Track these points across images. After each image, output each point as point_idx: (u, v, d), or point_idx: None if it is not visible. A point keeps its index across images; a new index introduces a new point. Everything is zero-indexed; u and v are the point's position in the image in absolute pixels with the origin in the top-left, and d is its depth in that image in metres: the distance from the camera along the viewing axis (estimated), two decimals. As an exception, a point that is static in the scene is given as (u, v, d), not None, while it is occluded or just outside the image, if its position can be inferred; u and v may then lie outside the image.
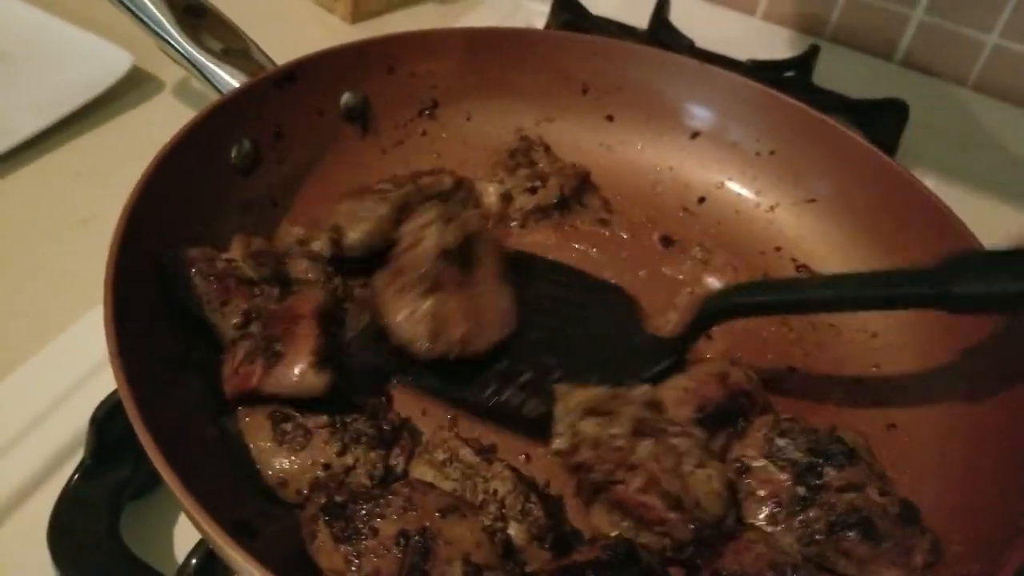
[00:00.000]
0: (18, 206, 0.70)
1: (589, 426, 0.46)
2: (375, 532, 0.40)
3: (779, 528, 0.46)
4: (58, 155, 0.76)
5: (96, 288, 0.61)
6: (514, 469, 0.45)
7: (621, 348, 0.56)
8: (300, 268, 0.55)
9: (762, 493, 0.47)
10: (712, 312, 0.53)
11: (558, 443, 0.47)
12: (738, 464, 0.48)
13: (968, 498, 0.47)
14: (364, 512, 0.40)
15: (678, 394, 0.50)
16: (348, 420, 0.47)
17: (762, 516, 0.47)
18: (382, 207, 0.57)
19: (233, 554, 0.35)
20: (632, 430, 0.46)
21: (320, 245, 0.56)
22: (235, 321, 0.51)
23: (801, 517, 0.46)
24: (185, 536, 0.49)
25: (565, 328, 0.56)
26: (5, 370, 0.57)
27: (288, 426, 0.47)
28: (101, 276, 0.60)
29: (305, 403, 0.47)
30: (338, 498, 0.41)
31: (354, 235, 0.56)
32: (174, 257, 0.50)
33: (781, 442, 0.48)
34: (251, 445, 0.46)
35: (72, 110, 0.77)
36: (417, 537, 0.39)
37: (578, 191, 0.66)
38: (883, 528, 0.45)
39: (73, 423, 0.53)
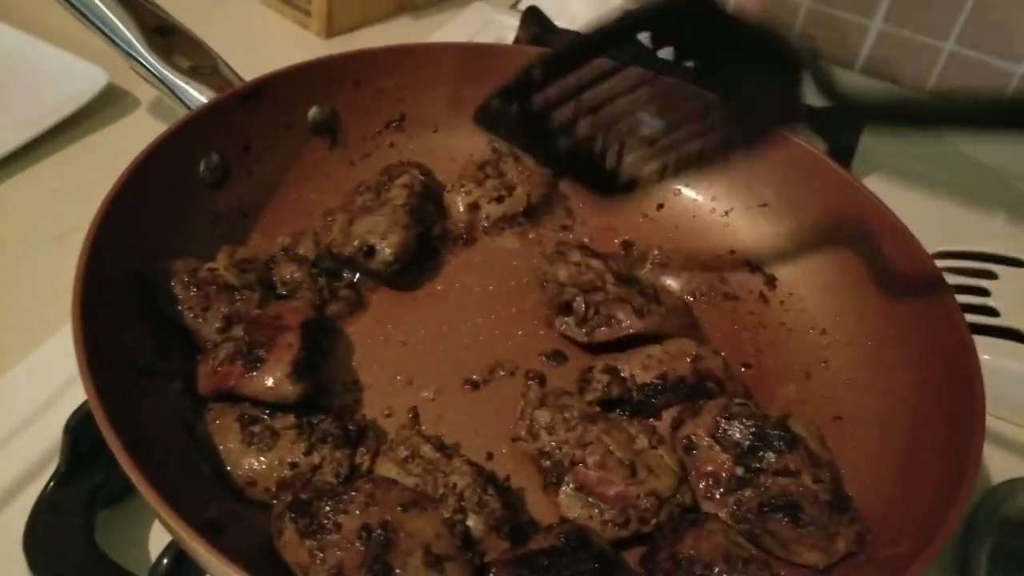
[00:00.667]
0: (-7, 220, 0.72)
1: (544, 414, 0.50)
2: (338, 527, 0.41)
3: (714, 502, 0.49)
4: (35, 171, 0.77)
5: (71, 301, 0.63)
6: (472, 464, 0.47)
7: None
8: (286, 273, 0.57)
9: (704, 470, 0.50)
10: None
11: (519, 432, 0.50)
12: (686, 440, 0.51)
13: (903, 488, 0.50)
14: (328, 508, 0.42)
15: (644, 359, 0.54)
16: (315, 421, 0.49)
17: (700, 488, 0.50)
18: (400, 216, 0.59)
19: (201, 550, 0.36)
20: (582, 415, 0.50)
21: (305, 248, 0.58)
22: (217, 325, 0.53)
23: (736, 496, 0.49)
24: (158, 540, 0.51)
25: None
26: (-17, 382, 0.58)
27: (256, 428, 0.48)
28: None
29: (274, 405, 0.49)
30: (303, 496, 0.43)
31: (389, 250, 0.58)
32: (157, 270, 0.52)
33: (728, 424, 0.51)
34: (220, 447, 0.48)
35: (48, 127, 0.78)
36: (379, 530, 0.41)
37: (545, 199, 0.68)
38: (810, 513, 0.48)
39: (50, 433, 0.55)
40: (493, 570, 0.42)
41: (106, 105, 0.84)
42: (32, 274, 0.68)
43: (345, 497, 0.42)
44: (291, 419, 0.49)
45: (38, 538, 0.48)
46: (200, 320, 0.53)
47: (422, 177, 0.64)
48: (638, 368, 0.55)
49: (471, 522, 0.44)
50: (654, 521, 0.48)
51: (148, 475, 0.38)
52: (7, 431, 0.55)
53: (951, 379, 0.52)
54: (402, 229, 0.58)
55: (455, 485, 0.45)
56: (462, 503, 0.44)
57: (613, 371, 0.54)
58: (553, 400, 0.52)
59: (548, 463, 0.50)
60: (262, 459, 0.48)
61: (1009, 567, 0.56)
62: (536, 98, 0.52)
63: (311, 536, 0.41)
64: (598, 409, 0.52)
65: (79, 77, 0.83)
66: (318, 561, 0.40)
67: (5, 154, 0.75)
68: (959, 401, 0.50)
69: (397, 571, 0.40)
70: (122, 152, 0.53)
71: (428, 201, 0.64)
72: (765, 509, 0.48)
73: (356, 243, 0.58)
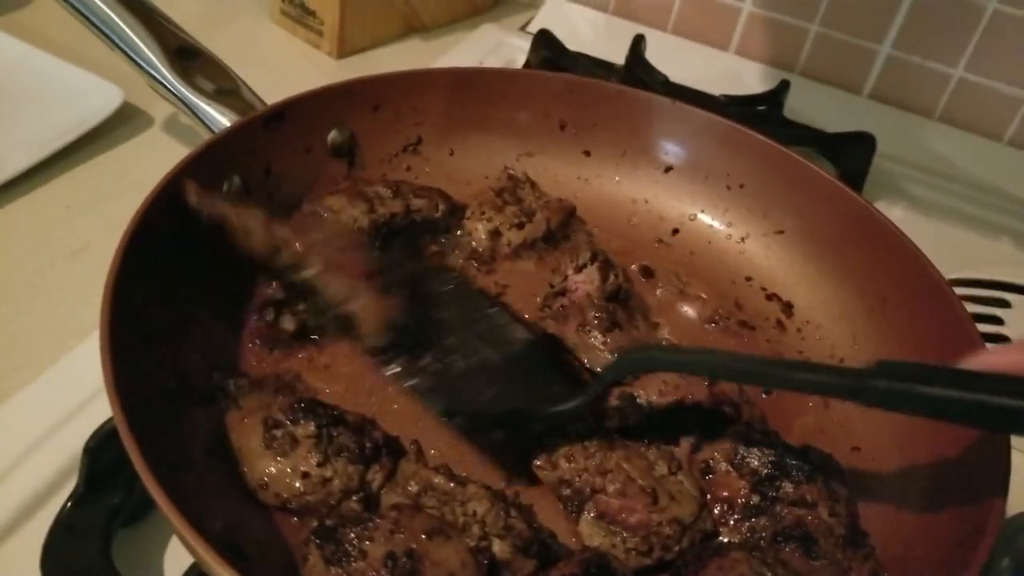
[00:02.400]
0: (11, 238, 0.72)
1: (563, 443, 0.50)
2: (364, 554, 0.41)
3: (728, 528, 0.49)
4: (50, 188, 0.77)
5: (88, 318, 0.63)
6: (488, 487, 0.47)
7: (532, 381, 0.58)
8: None
9: (720, 495, 0.51)
10: (622, 367, 0.52)
11: (538, 462, 0.50)
12: (703, 465, 0.52)
13: (923, 527, 0.49)
14: (353, 535, 0.42)
15: (661, 385, 0.54)
16: (335, 433, 0.49)
17: (714, 513, 0.50)
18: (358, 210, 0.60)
19: (225, 573, 0.36)
20: (601, 443, 0.50)
21: None
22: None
23: (750, 523, 0.49)
24: (175, 561, 0.50)
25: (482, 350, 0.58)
26: (2, 397, 0.58)
27: (278, 432, 0.49)
28: (93, 306, 0.62)
29: (301, 409, 0.50)
30: (329, 522, 0.43)
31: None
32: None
33: (746, 451, 0.51)
34: (240, 447, 0.49)
35: (64, 145, 0.79)
36: (404, 558, 0.41)
37: (563, 225, 0.69)
38: (824, 547, 0.48)
39: (66, 452, 0.54)
40: None
41: (121, 123, 0.85)
42: (48, 290, 0.68)
43: (371, 524, 0.42)
44: (312, 428, 0.49)
45: (55, 559, 0.48)
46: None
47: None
48: (655, 394, 0.54)
49: (496, 548, 0.44)
50: (677, 548, 0.48)
51: (171, 495, 0.38)
52: (24, 449, 0.55)
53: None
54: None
55: (475, 512, 0.45)
56: (485, 529, 0.44)
57: (629, 398, 0.54)
58: (571, 428, 0.52)
59: (568, 491, 0.50)
60: (278, 464, 0.48)
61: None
62: None
63: (337, 563, 0.41)
64: (617, 437, 0.52)
65: (95, 95, 0.84)
66: None
67: (21, 171, 0.75)
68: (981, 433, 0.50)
69: None
70: (137, 170, 0.53)
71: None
72: (779, 539, 0.48)
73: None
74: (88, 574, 0.48)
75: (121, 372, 0.42)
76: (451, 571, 0.41)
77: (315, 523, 0.44)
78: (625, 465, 0.49)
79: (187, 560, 0.46)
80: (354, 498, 0.48)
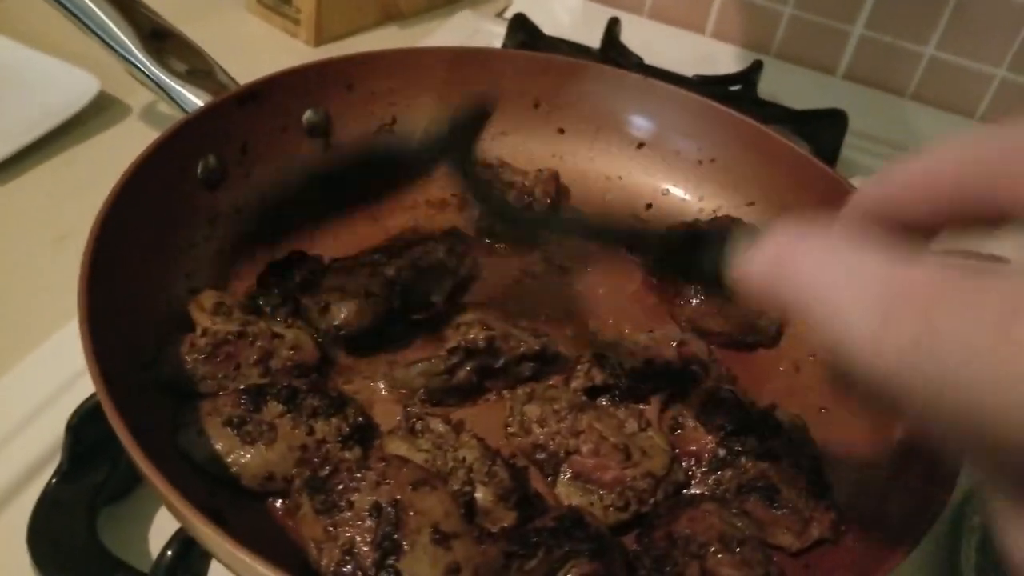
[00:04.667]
0: (-8, 226, 0.73)
1: (533, 408, 0.52)
2: (351, 504, 0.42)
3: (695, 481, 0.51)
4: (30, 177, 0.78)
5: (70, 303, 0.64)
6: (480, 439, 0.49)
7: None
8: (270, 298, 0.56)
9: (688, 449, 0.52)
10: None
11: (511, 429, 0.51)
12: (672, 421, 0.53)
13: (889, 479, 0.51)
14: (341, 486, 0.43)
15: (630, 347, 0.55)
16: (297, 400, 0.49)
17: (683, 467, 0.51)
18: (374, 284, 0.56)
19: (209, 532, 0.37)
20: (571, 405, 0.52)
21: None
22: (258, 372, 0.51)
23: (716, 476, 0.51)
24: (159, 536, 0.51)
25: None
26: (-16, 382, 0.59)
27: (249, 427, 0.48)
28: (74, 292, 0.62)
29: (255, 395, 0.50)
30: (320, 472, 0.44)
31: (343, 314, 0.54)
32: (167, 362, 0.51)
33: (714, 408, 0.53)
34: (228, 459, 0.47)
35: (42, 134, 0.79)
36: (389, 508, 0.42)
37: (556, 196, 0.69)
38: (786, 496, 0.49)
39: (50, 432, 0.55)
40: (484, 545, 0.43)
41: (98, 112, 0.85)
42: (30, 276, 0.69)
43: (358, 475, 0.43)
44: (278, 407, 0.49)
45: (41, 534, 0.49)
46: (240, 378, 0.51)
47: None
48: (625, 355, 0.56)
49: (479, 493, 0.45)
50: (652, 501, 0.49)
51: (154, 460, 0.38)
52: (9, 430, 0.56)
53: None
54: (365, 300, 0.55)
55: (464, 458, 0.47)
56: (471, 475, 0.45)
57: (599, 358, 0.55)
58: (541, 393, 0.53)
59: (543, 455, 0.51)
60: (271, 453, 0.48)
61: (998, 558, 0.57)
62: None
63: (325, 513, 0.42)
64: (585, 398, 0.54)
65: (71, 85, 0.84)
66: (331, 537, 0.41)
67: (0, 160, 0.76)
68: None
69: (406, 548, 0.41)
70: (115, 157, 0.54)
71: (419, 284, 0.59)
72: (743, 490, 0.50)
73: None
74: (74, 548, 0.48)
75: (100, 346, 0.42)
76: (435, 520, 0.42)
77: (307, 473, 0.45)
78: (597, 425, 0.51)
79: (170, 535, 0.47)
80: (351, 448, 0.49)
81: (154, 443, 0.40)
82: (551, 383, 0.55)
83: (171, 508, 0.40)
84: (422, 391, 0.54)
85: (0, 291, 0.67)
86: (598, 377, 0.54)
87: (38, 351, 0.61)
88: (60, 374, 0.59)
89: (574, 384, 0.54)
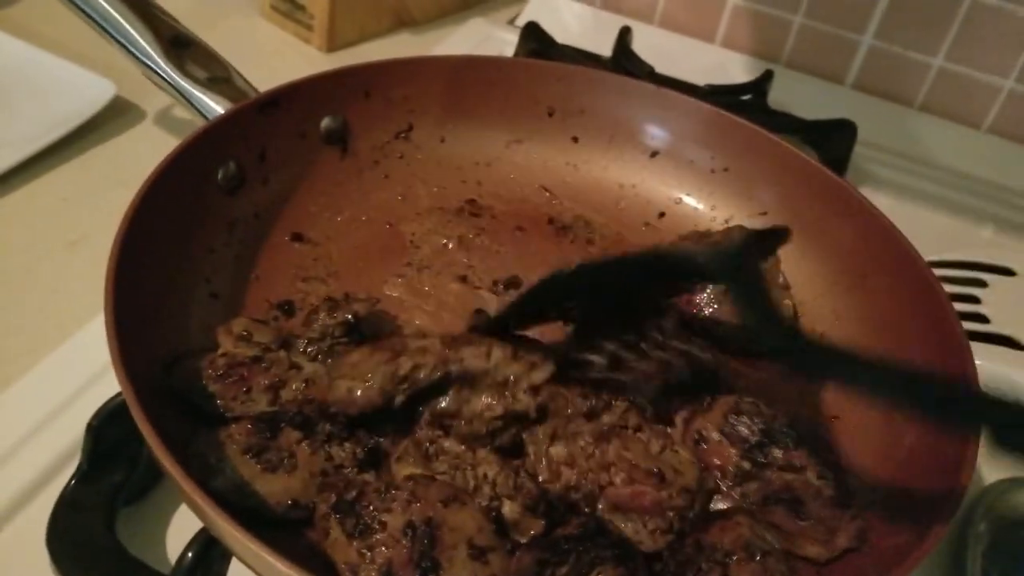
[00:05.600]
0: (7, 231, 0.73)
1: (559, 450, 0.50)
2: (383, 526, 0.42)
3: (720, 495, 0.51)
4: (45, 181, 0.78)
5: (87, 306, 0.65)
6: (497, 451, 0.49)
7: None
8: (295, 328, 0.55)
9: (712, 463, 0.52)
10: None
11: (542, 477, 0.49)
12: (696, 435, 0.53)
13: (903, 483, 0.51)
14: (372, 508, 0.43)
15: (642, 373, 0.55)
16: (312, 426, 0.49)
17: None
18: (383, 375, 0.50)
19: (235, 533, 0.37)
20: (595, 437, 0.51)
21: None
22: (267, 399, 0.51)
23: (741, 489, 0.51)
24: (177, 538, 0.51)
25: None
26: (2, 384, 0.59)
27: (270, 455, 0.47)
28: (90, 294, 0.63)
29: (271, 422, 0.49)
30: (347, 496, 0.44)
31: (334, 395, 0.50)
32: (183, 373, 0.51)
33: (736, 420, 0.53)
34: (254, 487, 0.46)
35: (57, 138, 0.80)
36: (423, 527, 0.42)
37: None
38: (811, 508, 0.49)
39: (68, 434, 0.56)
40: (517, 553, 0.43)
41: (114, 117, 0.86)
42: (45, 280, 0.69)
43: (387, 496, 0.43)
44: (296, 434, 0.48)
45: (60, 534, 0.49)
46: (249, 403, 0.50)
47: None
48: (640, 379, 0.55)
49: (506, 508, 0.45)
50: (691, 515, 0.49)
51: (178, 459, 0.39)
52: (28, 431, 0.56)
53: (947, 376, 0.53)
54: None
55: (486, 475, 0.47)
56: (496, 490, 0.46)
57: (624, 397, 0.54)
58: (562, 431, 0.51)
59: (578, 496, 0.49)
60: (293, 480, 0.47)
61: (1004, 564, 0.57)
62: None
63: (358, 536, 0.42)
64: (605, 426, 0.52)
65: (87, 89, 0.85)
66: (367, 560, 0.41)
67: (16, 164, 0.77)
68: (954, 390, 0.51)
69: (444, 566, 0.41)
70: (131, 162, 0.54)
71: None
72: (768, 502, 0.50)
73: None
74: (93, 548, 0.49)
75: (125, 346, 0.43)
76: (469, 535, 0.43)
77: (333, 498, 0.44)
78: (626, 454, 0.50)
79: (189, 536, 0.47)
80: (367, 471, 0.48)
81: (176, 444, 0.41)
82: (564, 414, 0.53)
83: (194, 507, 0.40)
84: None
85: (16, 294, 0.67)
86: (631, 419, 0.53)
87: (55, 353, 0.62)
88: (78, 377, 0.60)
89: (607, 419, 0.53)
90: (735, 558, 0.45)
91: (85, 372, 0.60)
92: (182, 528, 0.52)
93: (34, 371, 0.60)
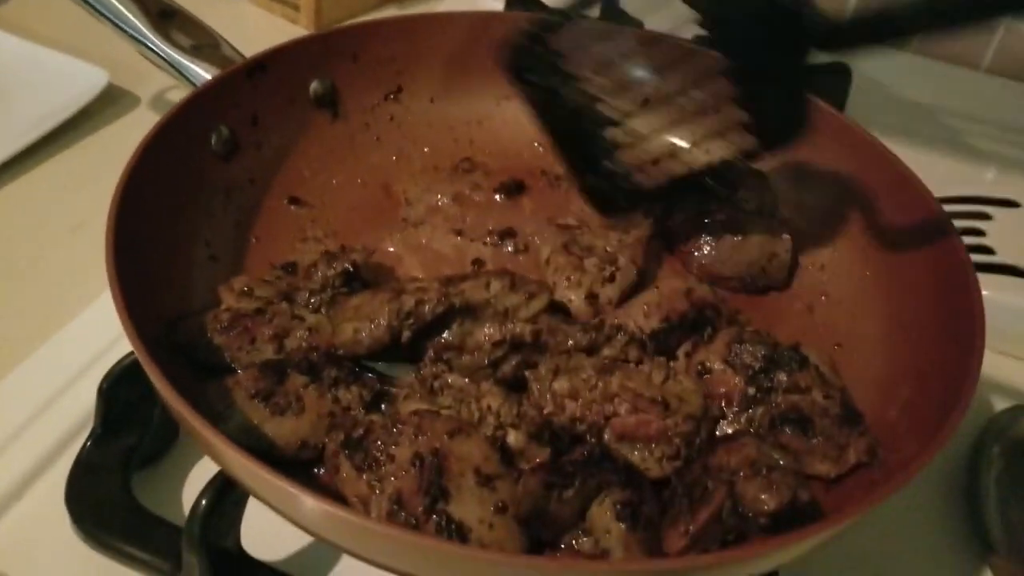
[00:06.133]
0: (10, 218, 0.74)
1: (562, 384, 0.51)
2: (392, 458, 0.43)
3: (727, 422, 0.51)
4: (44, 169, 0.80)
5: (91, 287, 0.65)
6: (500, 383, 0.49)
7: None
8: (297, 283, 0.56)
9: (718, 392, 0.52)
10: None
11: (547, 409, 0.50)
12: (699, 367, 0.53)
13: (908, 400, 0.52)
14: (379, 442, 0.44)
15: (643, 308, 0.55)
16: (318, 371, 0.50)
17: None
18: (388, 312, 0.51)
19: (252, 467, 0.38)
20: (597, 370, 0.51)
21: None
22: (272, 348, 0.51)
23: (748, 414, 0.51)
24: (193, 496, 0.52)
25: None
26: (14, 361, 0.60)
27: (278, 399, 0.48)
28: (94, 276, 0.63)
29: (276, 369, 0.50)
30: (355, 434, 0.45)
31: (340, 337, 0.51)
32: (187, 329, 0.52)
33: (740, 349, 0.53)
34: (264, 430, 0.47)
35: (54, 126, 0.81)
36: (431, 457, 0.43)
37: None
38: (820, 426, 0.50)
39: (82, 403, 0.57)
40: (522, 478, 0.44)
41: (108, 104, 0.87)
42: (51, 263, 0.71)
43: (395, 430, 0.44)
44: (302, 378, 0.49)
45: (79, 495, 0.51)
46: (254, 352, 0.51)
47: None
48: (641, 318, 0.56)
49: (511, 437, 0.46)
50: (697, 441, 0.49)
51: (191, 403, 0.40)
52: (41, 403, 0.58)
53: (950, 298, 0.53)
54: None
55: (490, 406, 0.47)
56: (500, 420, 0.46)
57: (625, 330, 0.55)
58: (564, 365, 0.52)
59: (584, 427, 0.50)
60: (301, 421, 0.48)
61: (1018, 488, 0.58)
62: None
63: (368, 470, 0.43)
64: (606, 360, 0.53)
65: (81, 78, 0.86)
66: (378, 491, 0.42)
67: (15, 153, 0.78)
68: (959, 316, 0.52)
69: (452, 493, 0.42)
70: (127, 146, 0.54)
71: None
72: (776, 424, 0.50)
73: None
74: (111, 506, 0.50)
75: (131, 303, 0.43)
76: (475, 464, 0.43)
77: (341, 436, 0.45)
78: (629, 384, 0.50)
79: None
80: (375, 412, 0.49)
81: (188, 394, 0.41)
82: (564, 350, 0.54)
83: (209, 449, 0.41)
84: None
85: (23, 279, 0.69)
86: (633, 353, 0.54)
87: (65, 330, 0.63)
88: (88, 350, 0.61)
89: (607, 352, 0.54)
90: (741, 474, 0.45)
91: (95, 345, 0.61)
92: (196, 487, 0.53)
93: (46, 346, 0.61)
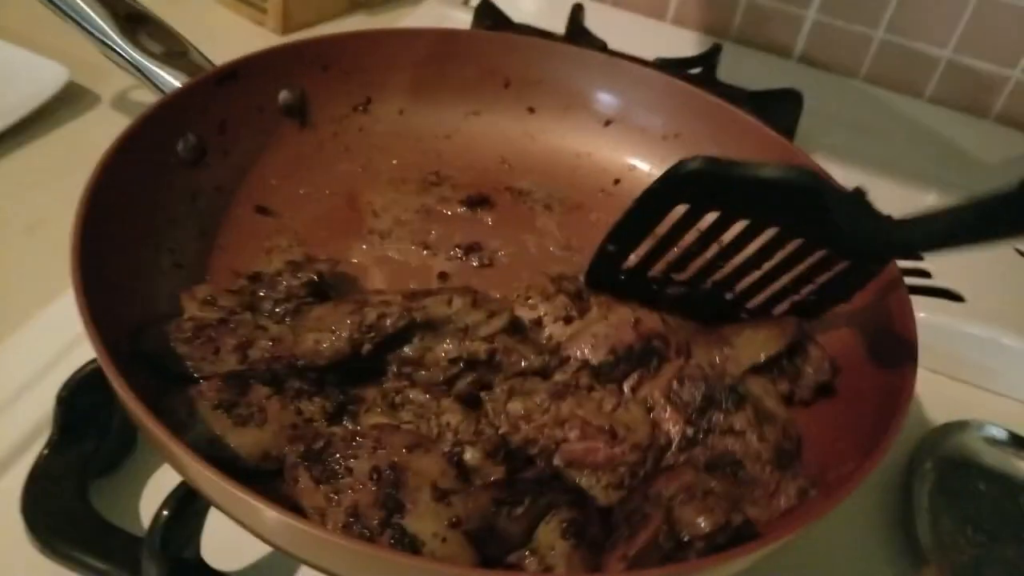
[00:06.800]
0: (-35, 215, 0.73)
1: (516, 405, 0.52)
2: (350, 471, 0.43)
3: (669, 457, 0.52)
4: (0, 166, 0.78)
5: (48, 287, 0.65)
6: (461, 400, 0.50)
7: None
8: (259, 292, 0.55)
9: (661, 430, 0.53)
10: None
11: (502, 429, 0.51)
12: (644, 402, 0.53)
13: (847, 421, 0.54)
14: (339, 455, 0.44)
15: (592, 339, 0.56)
16: (281, 383, 0.50)
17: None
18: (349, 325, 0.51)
19: (214, 478, 0.37)
20: (550, 394, 0.52)
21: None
22: (235, 359, 0.51)
23: (686, 455, 0.52)
24: (151, 506, 0.52)
25: None
26: (-34, 364, 0.59)
27: (241, 410, 0.48)
28: (51, 276, 0.62)
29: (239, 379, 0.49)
30: (315, 446, 0.45)
31: (316, 347, 0.51)
32: (150, 337, 0.51)
33: (680, 387, 0.53)
34: (227, 440, 0.47)
35: (12, 123, 0.79)
36: (388, 471, 0.43)
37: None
38: (751, 471, 0.51)
39: (38, 409, 0.56)
40: (472, 494, 0.44)
41: (68, 102, 0.86)
42: (6, 263, 0.69)
43: (354, 444, 0.45)
44: (264, 389, 0.49)
45: (35, 503, 0.50)
46: (218, 363, 0.51)
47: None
48: (587, 349, 0.56)
49: (467, 454, 0.46)
50: (642, 472, 0.50)
51: (153, 412, 0.40)
52: (-3, 406, 0.57)
53: (886, 319, 0.56)
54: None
55: (448, 423, 0.48)
56: (458, 436, 0.47)
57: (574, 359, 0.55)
58: (519, 388, 0.53)
59: (535, 450, 0.51)
60: (262, 433, 0.47)
61: (948, 501, 0.61)
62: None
63: (326, 481, 0.43)
64: (559, 384, 0.54)
65: (39, 74, 0.85)
66: (334, 503, 0.43)
67: (-31, 151, 0.76)
68: (895, 339, 0.54)
69: (408, 506, 0.42)
70: (86, 146, 0.54)
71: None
72: (711, 467, 0.51)
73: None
74: (67, 516, 0.50)
75: (95, 307, 0.43)
76: (432, 479, 0.44)
77: (301, 447, 0.45)
78: (579, 412, 0.51)
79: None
80: (337, 424, 0.49)
81: (151, 404, 0.41)
82: (519, 372, 0.54)
83: (171, 458, 0.41)
84: None
85: (-24, 278, 0.67)
86: (584, 380, 0.54)
87: (19, 333, 0.62)
88: (44, 354, 0.60)
89: (558, 378, 0.54)
90: (679, 499, 0.46)
91: (51, 349, 0.60)
92: (154, 498, 0.53)
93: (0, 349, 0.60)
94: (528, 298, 0.59)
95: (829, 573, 0.58)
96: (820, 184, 0.49)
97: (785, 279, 0.56)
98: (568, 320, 0.58)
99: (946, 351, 0.72)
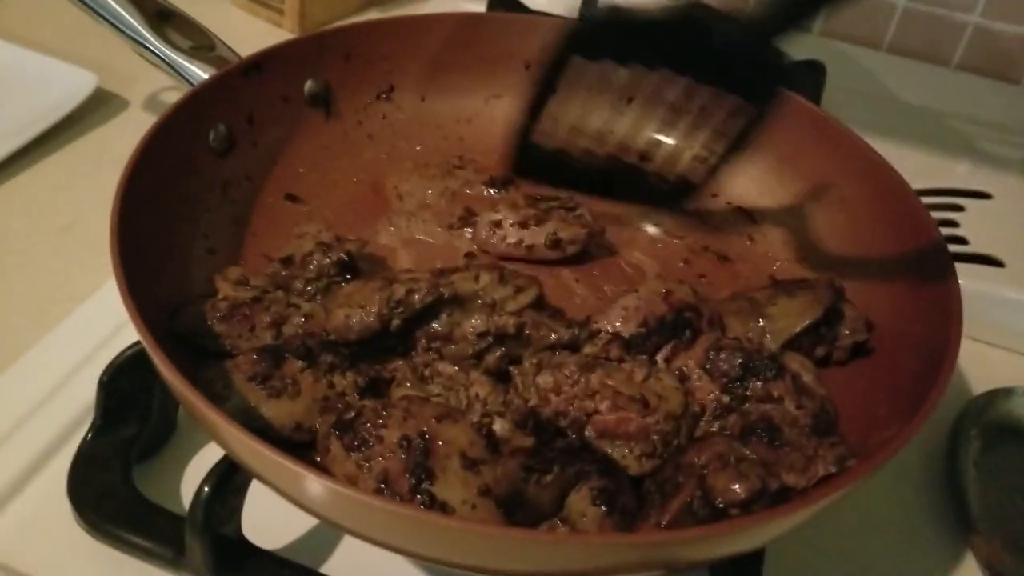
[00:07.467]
0: (1, 219, 0.75)
1: (545, 378, 0.52)
2: (380, 440, 0.44)
3: (702, 430, 0.51)
4: (35, 171, 0.80)
5: (84, 284, 0.66)
6: (489, 373, 0.50)
7: None
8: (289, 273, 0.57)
9: (695, 400, 0.52)
10: None
11: (532, 401, 0.51)
12: (677, 372, 0.53)
13: (888, 387, 0.54)
14: (369, 424, 0.45)
15: (622, 312, 0.56)
16: (314, 357, 0.51)
17: None
18: (379, 300, 0.52)
19: (258, 448, 0.39)
20: (580, 367, 0.52)
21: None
22: (270, 335, 0.53)
23: (721, 422, 0.51)
24: (192, 487, 0.53)
25: None
26: (10, 358, 0.61)
27: (275, 382, 0.49)
28: (86, 274, 0.66)
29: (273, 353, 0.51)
30: (346, 416, 0.46)
31: (346, 323, 0.52)
32: (186, 317, 0.53)
33: (716, 356, 0.53)
34: (260, 411, 0.48)
35: (44, 129, 0.81)
36: (418, 439, 0.44)
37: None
38: (789, 436, 0.49)
39: (81, 397, 0.57)
40: (501, 461, 0.45)
41: (97, 107, 0.87)
42: (42, 262, 0.71)
43: (384, 413, 0.45)
44: (298, 363, 0.50)
45: (80, 486, 0.51)
46: (254, 339, 0.52)
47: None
48: (618, 322, 0.56)
49: (496, 425, 0.46)
50: (676, 441, 0.50)
51: (195, 386, 0.41)
52: (40, 398, 0.58)
53: (928, 287, 0.55)
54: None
55: (477, 394, 0.48)
56: (487, 407, 0.47)
57: (604, 333, 0.56)
58: (548, 361, 0.53)
59: (566, 422, 0.51)
60: (296, 404, 0.49)
61: (996, 469, 0.60)
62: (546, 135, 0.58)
63: (356, 450, 0.44)
64: (588, 357, 0.54)
65: (69, 82, 0.87)
66: (365, 470, 0.43)
67: (6, 156, 0.78)
68: (936, 304, 0.53)
69: (438, 475, 0.43)
70: (116, 149, 0.56)
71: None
72: (747, 433, 0.50)
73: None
74: (112, 497, 0.51)
75: (135, 289, 0.44)
76: (461, 448, 0.44)
77: (333, 418, 0.46)
78: (609, 382, 0.51)
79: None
80: (368, 398, 0.50)
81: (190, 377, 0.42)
82: (549, 345, 0.55)
83: (212, 428, 0.42)
84: None
85: (15, 278, 0.69)
86: (614, 352, 0.54)
87: (60, 327, 0.63)
88: (84, 346, 0.61)
89: (588, 349, 0.54)
90: (712, 467, 0.46)
91: (90, 341, 0.62)
92: (195, 480, 0.53)
93: (42, 343, 0.62)
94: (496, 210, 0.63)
95: (875, 544, 0.57)
96: (701, 14, 0.53)
97: (701, 138, 0.60)
98: (524, 224, 0.62)
99: (986, 318, 0.70)
